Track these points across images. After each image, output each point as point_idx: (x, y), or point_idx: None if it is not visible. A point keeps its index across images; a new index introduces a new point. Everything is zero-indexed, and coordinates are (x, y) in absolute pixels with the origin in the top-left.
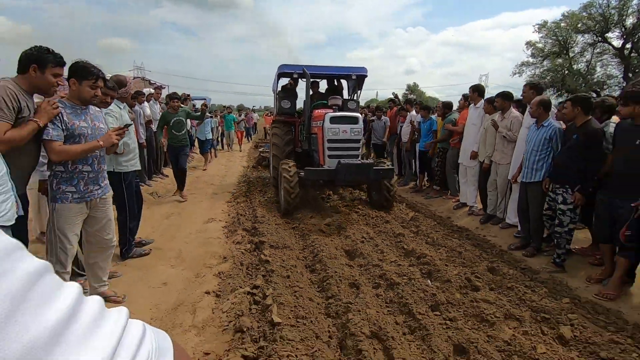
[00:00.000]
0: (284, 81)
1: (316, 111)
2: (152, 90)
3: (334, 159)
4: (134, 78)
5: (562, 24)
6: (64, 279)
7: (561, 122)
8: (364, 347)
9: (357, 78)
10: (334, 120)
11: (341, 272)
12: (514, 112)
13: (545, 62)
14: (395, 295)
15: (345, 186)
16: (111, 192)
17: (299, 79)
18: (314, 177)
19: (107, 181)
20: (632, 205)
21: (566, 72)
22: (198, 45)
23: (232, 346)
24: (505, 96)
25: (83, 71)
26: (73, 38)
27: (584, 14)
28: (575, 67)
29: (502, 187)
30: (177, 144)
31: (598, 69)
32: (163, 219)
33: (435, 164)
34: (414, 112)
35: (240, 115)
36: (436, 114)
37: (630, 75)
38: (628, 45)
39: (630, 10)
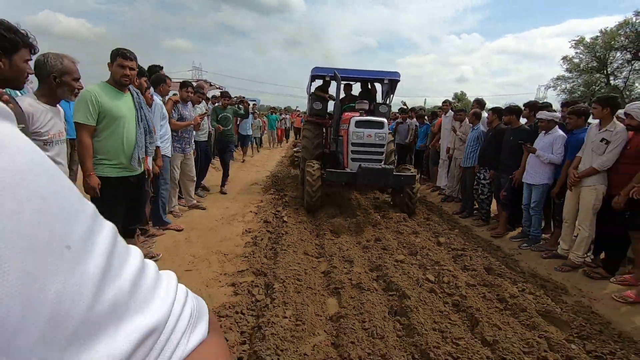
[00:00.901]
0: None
1: (345, 114)
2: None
3: (357, 162)
4: (197, 80)
5: (599, 41)
6: (175, 192)
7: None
8: (326, 234)
9: (390, 82)
10: (359, 124)
11: (327, 210)
12: (467, 121)
13: (582, 77)
14: (354, 220)
15: (368, 189)
16: (194, 150)
17: (331, 82)
18: (334, 178)
19: (193, 144)
20: (510, 176)
21: (596, 88)
22: (252, 47)
23: (261, 227)
24: (461, 110)
25: (183, 83)
26: (141, 39)
27: (620, 32)
28: (613, 82)
29: (458, 176)
30: (223, 138)
31: (637, 85)
32: None
33: (424, 159)
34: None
35: (280, 115)
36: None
37: None
38: None
39: None
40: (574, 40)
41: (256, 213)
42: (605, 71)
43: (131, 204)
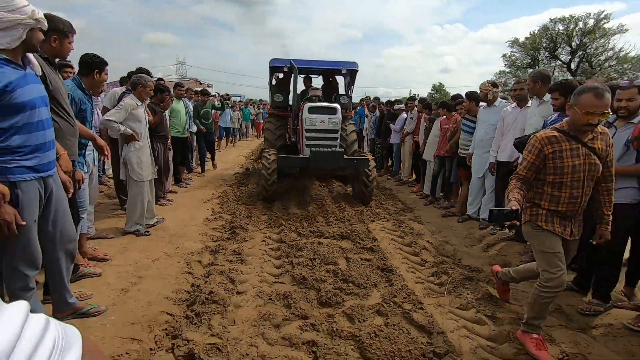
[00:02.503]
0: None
1: (303, 104)
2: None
3: (311, 147)
4: (189, 80)
5: (528, 42)
6: (193, 154)
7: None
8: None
9: (349, 72)
10: (312, 110)
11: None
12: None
13: (519, 72)
14: (317, 191)
15: (322, 175)
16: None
17: (291, 74)
18: (287, 164)
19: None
20: (385, 141)
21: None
22: (235, 40)
23: (244, 171)
24: (370, 104)
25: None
26: (122, 32)
27: (543, 35)
28: None
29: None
30: (206, 130)
31: (561, 79)
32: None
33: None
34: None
35: (258, 109)
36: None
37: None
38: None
39: (574, 34)
40: (509, 41)
41: (241, 167)
42: (537, 67)
43: (182, 151)
